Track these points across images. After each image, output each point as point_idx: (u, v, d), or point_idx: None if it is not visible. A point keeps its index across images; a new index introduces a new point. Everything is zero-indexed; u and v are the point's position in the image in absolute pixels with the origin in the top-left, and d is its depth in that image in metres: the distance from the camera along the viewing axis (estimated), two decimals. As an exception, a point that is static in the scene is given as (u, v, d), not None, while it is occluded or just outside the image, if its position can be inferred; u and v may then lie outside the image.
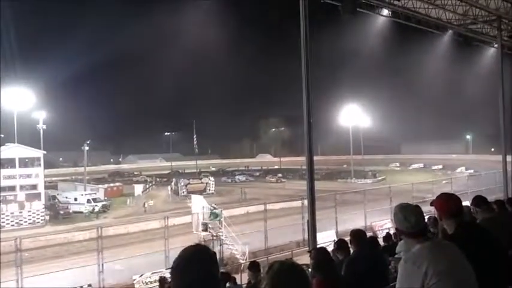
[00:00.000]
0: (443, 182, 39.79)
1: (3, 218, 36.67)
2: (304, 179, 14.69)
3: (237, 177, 72.95)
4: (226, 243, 21.89)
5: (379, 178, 64.55)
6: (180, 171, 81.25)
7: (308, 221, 13.86)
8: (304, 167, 15.66)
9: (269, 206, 26.94)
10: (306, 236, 16.85)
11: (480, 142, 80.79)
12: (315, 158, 13.76)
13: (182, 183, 53.67)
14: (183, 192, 51.19)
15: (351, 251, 5.68)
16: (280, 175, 72.22)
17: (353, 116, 72.58)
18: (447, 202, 3.35)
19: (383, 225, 25.06)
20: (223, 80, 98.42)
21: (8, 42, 57.77)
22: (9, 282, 17.73)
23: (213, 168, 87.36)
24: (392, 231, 12.43)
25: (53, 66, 72.39)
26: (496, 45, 23.88)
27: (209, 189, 54.01)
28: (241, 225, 25.42)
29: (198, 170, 75.89)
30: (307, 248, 12.55)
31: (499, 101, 21.69)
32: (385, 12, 20.92)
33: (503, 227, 5.47)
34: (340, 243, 6.03)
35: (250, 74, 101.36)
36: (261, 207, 25.72)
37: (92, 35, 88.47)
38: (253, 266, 7.40)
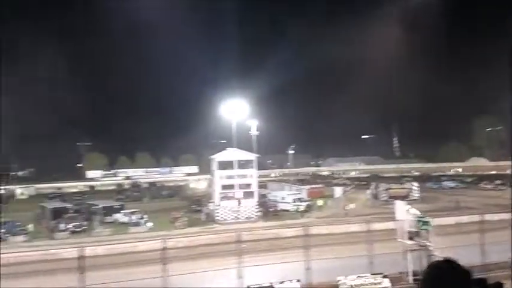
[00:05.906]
0: None
1: (224, 212, 42.49)
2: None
3: (444, 183, 66.78)
4: (435, 255, 20.25)
5: None
6: (379, 175, 79.22)
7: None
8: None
9: (486, 217, 23.79)
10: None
11: None
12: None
13: (382, 188, 52.34)
14: (383, 197, 49.98)
15: None
16: (498, 182, 62.80)
17: None
18: None
19: None
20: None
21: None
22: (230, 269, 20.28)
23: (416, 173, 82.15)
24: None
25: (264, 78, 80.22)
26: None
27: (412, 195, 50.98)
28: (450, 236, 23.23)
29: (400, 175, 72.57)
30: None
31: None
32: None
33: None
34: None
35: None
36: (475, 218, 22.91)
37: (298, 45, 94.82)
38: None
